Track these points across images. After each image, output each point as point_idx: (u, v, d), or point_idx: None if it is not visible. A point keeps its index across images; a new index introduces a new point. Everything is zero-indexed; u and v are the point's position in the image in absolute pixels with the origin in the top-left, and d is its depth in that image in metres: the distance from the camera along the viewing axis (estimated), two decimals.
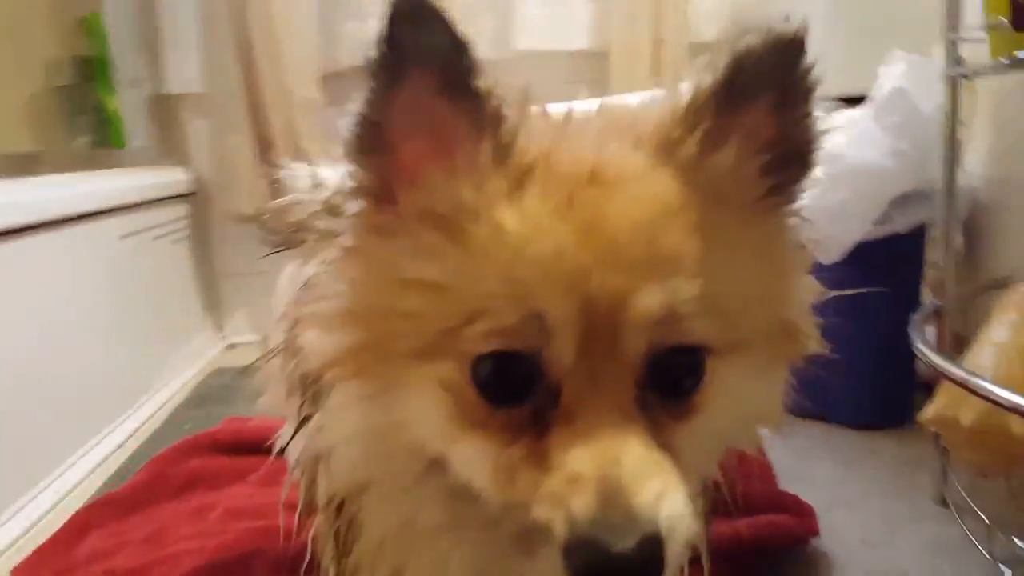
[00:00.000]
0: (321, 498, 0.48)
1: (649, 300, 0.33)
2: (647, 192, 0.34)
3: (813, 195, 1.19)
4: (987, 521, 0.86)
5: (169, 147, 2.04)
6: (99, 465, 1.30)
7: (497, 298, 0.34)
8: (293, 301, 0.52)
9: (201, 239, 2.05)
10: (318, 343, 0.40)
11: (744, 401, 0.38)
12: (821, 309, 1.37)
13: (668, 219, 0.34)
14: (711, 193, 0.35)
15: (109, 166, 1.78)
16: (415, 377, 0.36)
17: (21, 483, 1.13)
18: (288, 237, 0.60)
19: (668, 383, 0.35)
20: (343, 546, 0.45)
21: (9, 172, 1.35)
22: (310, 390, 0.45)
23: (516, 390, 0.35)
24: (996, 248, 1.22)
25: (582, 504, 0.31)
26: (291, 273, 0.66)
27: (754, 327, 0.38)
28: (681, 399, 0.36)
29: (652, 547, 0.31)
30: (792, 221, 0.40)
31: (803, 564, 0.90)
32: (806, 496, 0.98)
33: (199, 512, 1.07)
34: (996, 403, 0.77)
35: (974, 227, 1.25)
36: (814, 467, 1.15)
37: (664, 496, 0.32)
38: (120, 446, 1.38)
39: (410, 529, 0.42)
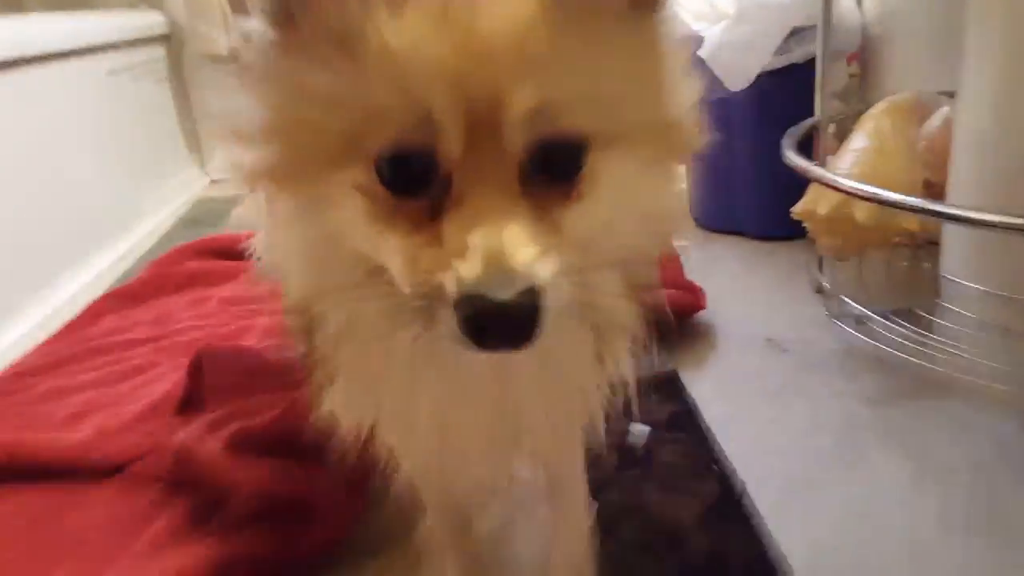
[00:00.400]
0: (286, 302, 0.51)
1: (524, 94, 0.36)
2: None
3: (721, 28, 1.32)
4: (827, 286, 1.07)
5: None
6: (103, 274, 1.48)
7: (391, 103, 0.36)
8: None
9: (179, 80, 2.14)
10: (243, 158, 0.42)
11: (629, 192, 0.41)
12: (732, 132, 1.56)
13: (540, 21, 0.37)
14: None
15: (87, 7, 1.84)
16: (335, 186, 0.39)
17: (36, 283, 1.31)
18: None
19: (549, 172, 0.38)
20: (310, 340, 0.50)
21: None
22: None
23: (415, 183, 0.38)
24: (883, 73, 1.37)
25: (468, 267, 0.35)
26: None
27: (634, 121, 0.41)
28: (563, 186, 0.39)
29: (529, 297, 0.35)
30: (666, 24, 0.42)
31: (690, 332, 1.12)
32: (707, 287, 1.18)
33: (198, 302, 1.27)
34: (841, 190, 0.95)
35: (869, 56, 1.39)
36: (720, 268, 1.35)
37: (539, 260, 0.36)
38: (121, 258, 1.57)
39: (358, 325, 0.46)
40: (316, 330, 0.49)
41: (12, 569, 0.72)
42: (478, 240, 0.36)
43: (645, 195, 0.43)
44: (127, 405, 0.97)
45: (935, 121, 1.05)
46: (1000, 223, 0.75)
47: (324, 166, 0.39)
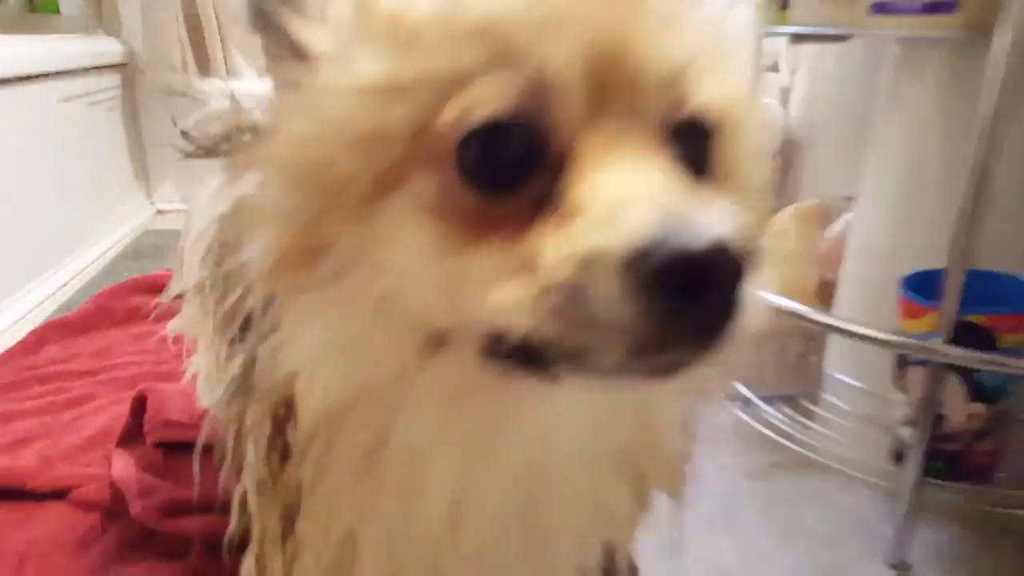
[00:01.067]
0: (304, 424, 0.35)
1: (668, 49, 0.27)
2: None
3: None
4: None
5: (101, 17, 2.13)
6: (43, 302, 1.50)
7: (477, 61, 0.27)
8: (221, 228, 0.46)
9: (131, 109, 2.18)
10: (260, 241, 0.32)
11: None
12: None
13: None
14: None
15: (42, 31, 1.87)
16: (384, 226, 0.29)
17: None
18: (212, 147, 0.47)
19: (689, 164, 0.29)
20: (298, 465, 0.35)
21: None
22: (245, 320, 0.37)
23: (516, 174, 0.28)
24: (802, 174, 1.56)
25: (638, 216, 0.24)
26: (215, 191, 0.57)
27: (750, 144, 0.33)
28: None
29: (734, 252, 0.24)
30: None
31: None
32: None
33: (140, 337, 1.31)
34: None
35: (788, 157, 1.58)
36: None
37: (724, 213, 0.25)
38: (64, 285, 1.59)
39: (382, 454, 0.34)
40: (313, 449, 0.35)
41: None
42: (638, 183, 0.26)
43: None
44: (67, 435, 1.01)
45: (838, 225, 1.22)
46: (864, 335, 0.89)
47: (374, 199, 0.29)
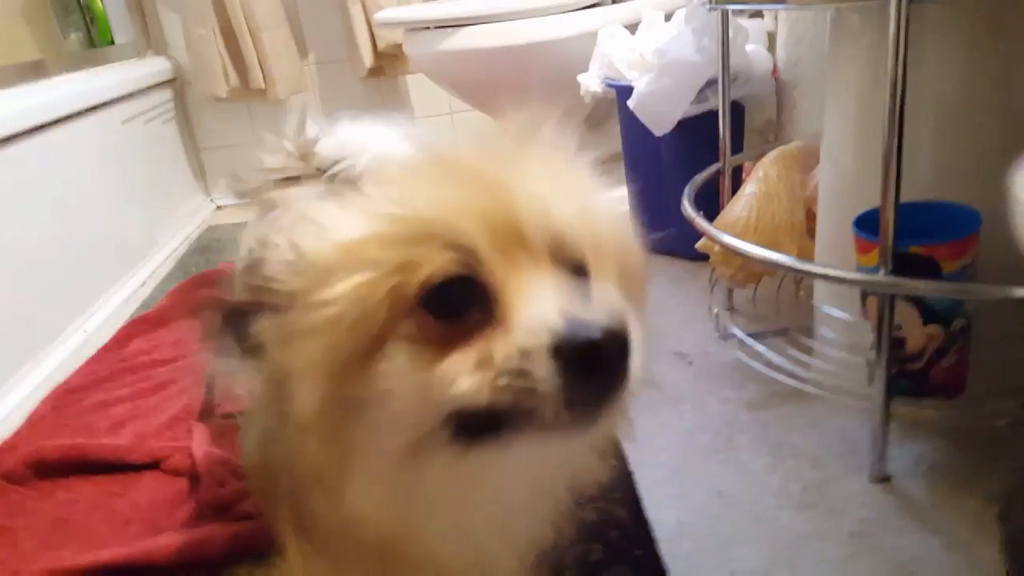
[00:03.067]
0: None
1: (536, 215, 0.42)
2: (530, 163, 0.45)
3: (647, 81, 1.56)
4: (715, 309, 1.30)
5: (149, 39, 2.32)
6: (124, 303, 1.71)
7: (424, 247, 0.40)
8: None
9: (184, 118, 2.38)
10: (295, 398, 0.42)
11: None
12: (663, 166, 1.80)
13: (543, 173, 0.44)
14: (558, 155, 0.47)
15: (102, 62, 2.07)
16: (384, 359, 0.40)
17: (61, 319, 1.51)
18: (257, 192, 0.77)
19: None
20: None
21: (23, 78, 1.66)
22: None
23: (465, 305, 0.40)
24: (796, 115, 1.59)
25: (552, 320, 0.37)
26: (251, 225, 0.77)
27: (615, 261, 0.46)
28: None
29: (620, 330, 0.38)
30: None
31: None
32: None
33: None
34: (717, 243, 1.17)
35: (781, 99, 1.62)
36: (651, 287, 1.58)
37: (605, 308, 0.38)
38: (142, 284, 1.81)
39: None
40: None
41: (77, 544, 0.96)
42: (547, 300, 0.39)
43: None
44: (156, 415, 1.21)
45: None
46: (822, 273, 0.97)
47: (373, 353, 0.40)
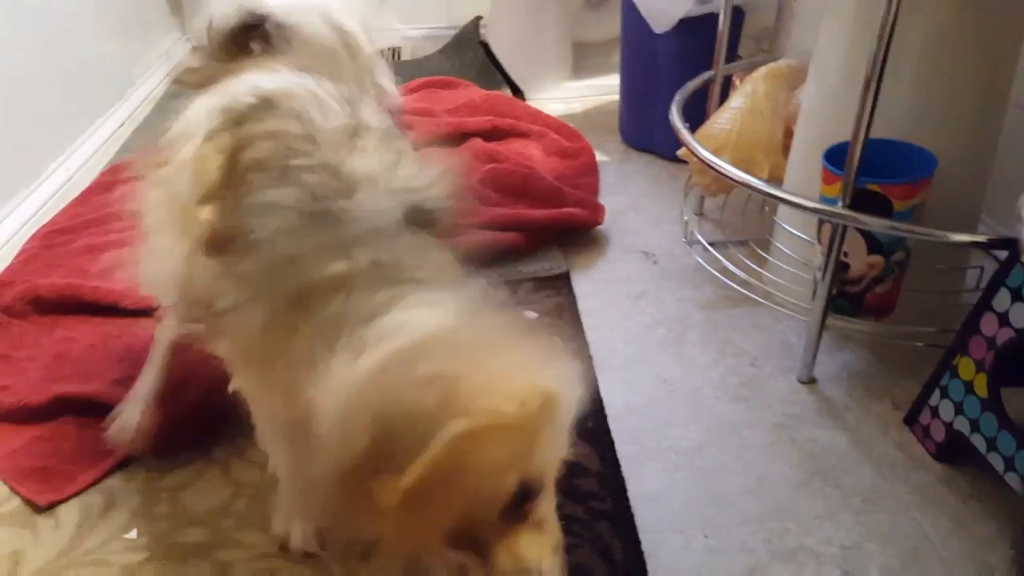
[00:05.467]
0: None
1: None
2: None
3: None
4: (685, 216, 1.39)
5: None
6: (104, 143, 1.70)
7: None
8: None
9: None
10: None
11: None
12: (658, 64, 1.81)
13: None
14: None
15: None
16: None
17: (42, 158, 1.52)
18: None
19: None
20: None
21: None
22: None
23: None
24: (793, 26, 1.61)
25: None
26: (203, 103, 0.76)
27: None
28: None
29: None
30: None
31: (587, 241, 1.44)
32: (612, 201, 1.50)
33: None
34: (698, 157, 1.22)
35: (781, 9, 1.63)
36: (631, 183, 1.65)
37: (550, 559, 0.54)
38: (120, 126, 1.79)
39: None
40: None
41: (79, 378, 1.04)
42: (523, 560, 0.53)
43: None
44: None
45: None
46: (783, 198, 1.05)
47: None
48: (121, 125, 1.79)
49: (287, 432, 0.72)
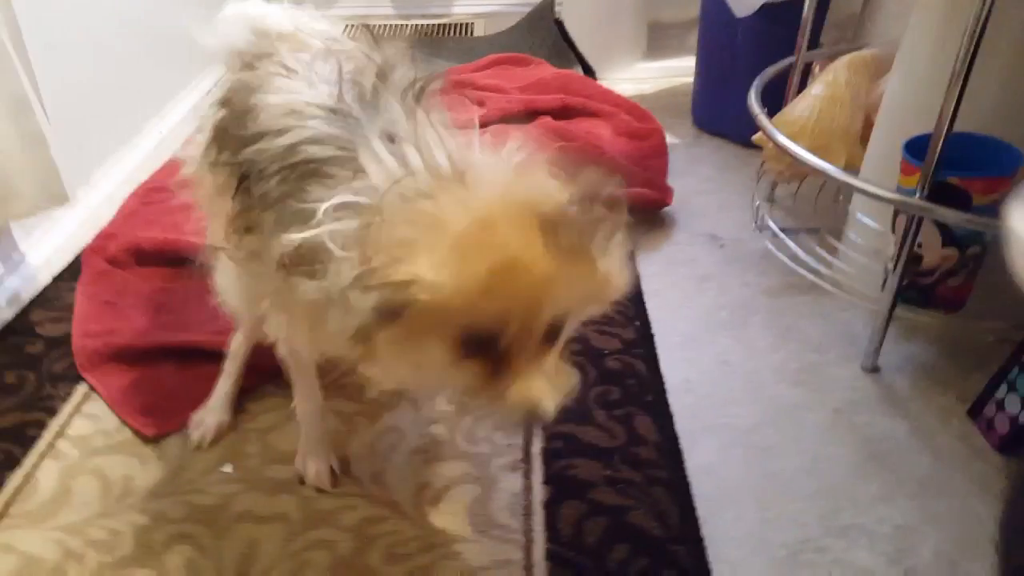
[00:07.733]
0: None
1: (548, 311, 0.59)
2: (542, 266, 0.57)
3: None
4: (757, 202, 1.39)
5: None
6: (193, 108, 1.78)
7: (484, 313, 0.57)
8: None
9: None
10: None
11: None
12: (736, 49, 1.81)
13: (552, 275, 0.58)
14: (569, 254, 0.58)
15: None
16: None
17: (138, 119, 1.62)
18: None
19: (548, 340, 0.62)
20: None
21: None
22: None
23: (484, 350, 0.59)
24: (881, 15, 1.58)
25: (520, 405, 0.60)
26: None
27: (589, 302, 0.66)
28: (553, 344, 0.63)
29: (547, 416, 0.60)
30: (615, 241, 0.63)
31: (655, 222, 1.46)
32: (680, 184, 1.51)
33: None
34: (774, 142, 1.23)
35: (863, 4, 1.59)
36: (700, 167, 1.66)
37: (553, 401, 0.60)
38: (208, 92, 1.87)
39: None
40: None
41: (175, 327, 1.13)
42: (524, 390, 0.60)
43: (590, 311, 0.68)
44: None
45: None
46: (860, 187, 1.05)
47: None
48: (208, 93, 1.88)
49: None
